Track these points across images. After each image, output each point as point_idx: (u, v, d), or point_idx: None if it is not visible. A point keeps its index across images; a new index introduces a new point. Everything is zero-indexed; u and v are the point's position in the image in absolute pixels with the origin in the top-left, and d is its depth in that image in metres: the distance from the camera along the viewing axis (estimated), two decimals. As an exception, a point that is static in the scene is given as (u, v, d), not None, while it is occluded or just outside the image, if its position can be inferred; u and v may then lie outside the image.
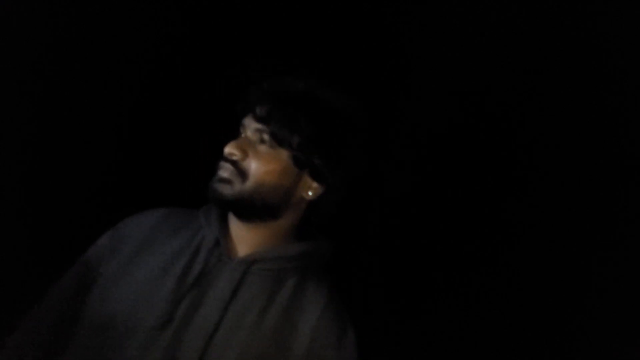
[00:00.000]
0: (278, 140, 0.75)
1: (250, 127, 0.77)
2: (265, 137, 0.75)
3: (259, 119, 0.75)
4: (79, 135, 1.07)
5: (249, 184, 0.75)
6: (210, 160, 0.77)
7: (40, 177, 1.03)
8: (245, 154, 0.75)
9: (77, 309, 0.75)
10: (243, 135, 0.78)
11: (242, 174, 0.75)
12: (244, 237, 0.78)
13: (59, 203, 1.02)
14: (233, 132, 0.78)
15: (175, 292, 0.73)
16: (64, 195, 1.04)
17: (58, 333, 0.75)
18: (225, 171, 0.76)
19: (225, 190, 0.75)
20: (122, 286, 0.75)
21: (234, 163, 0.75)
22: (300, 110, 0.75)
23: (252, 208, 0.76)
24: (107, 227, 0.80)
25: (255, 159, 0.75)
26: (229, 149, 0.75)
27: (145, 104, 1.10)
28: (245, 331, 0.73)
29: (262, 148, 0.76)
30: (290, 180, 0.77)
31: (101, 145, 1.08)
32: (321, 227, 0.84)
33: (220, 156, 0.76)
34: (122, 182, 1.03)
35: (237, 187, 0.75)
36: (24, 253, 0.93)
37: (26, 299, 0.77)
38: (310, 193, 0.78)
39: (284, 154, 0.76)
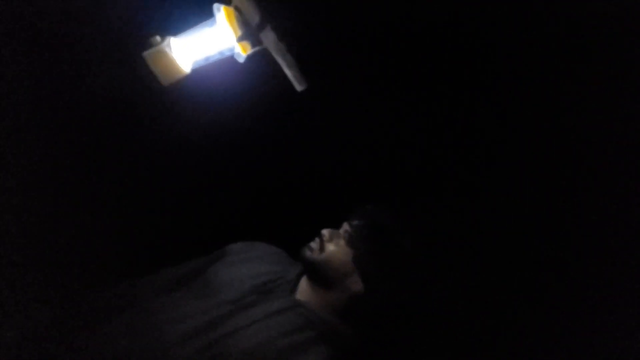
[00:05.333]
0: (351, 243, 1.09)
1: (344, 226, 1.12)
2: (347, 237, 1.10)
3: (350, 225, 1.11)
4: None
5: (322, 257, 1.08)
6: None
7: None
8: (330, 239, 1.10)
9: (206, 268, 1.13)
10: (340, 229, 1.13)
11: (322, 249, 1.09)
12: (305, 288, 1.10)
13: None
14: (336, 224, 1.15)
15: (251, 289, 1.07)
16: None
17: (197, 271, 1.13)
18: (314, 243, 1.10)
19: (307, 254, 1.09)
20: (227, 270, 1.11)
21: (322, 240, 1.10)
22: (372, 234, 1.09)
23: (316, 273, 1.09)
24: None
25: (334, 245, 1.10)
26: (324, 231, 1.11)
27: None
28: (258, 338, 1.00)
29: (342, 242, 1.10)
30: (346, 269, 1.08)
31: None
32: (358, 322, 1.09)
33: (317, 233, 1.11)
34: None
35: (315, 256, 1.09)
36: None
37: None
38: (353, 287, 1.07)
39: (350, 252, 1.09)
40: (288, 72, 1.03)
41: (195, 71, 1.00)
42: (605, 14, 1.25)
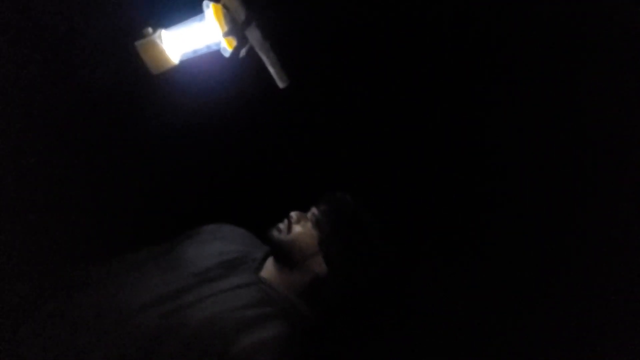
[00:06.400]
0: (317, 226, 1.14)
1: (312, 210, 1.18)
2: (314, 219, 1.15)
3: (318, 209, 1.17)
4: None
5: (288, 237, 1.13)
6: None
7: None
8: (298, 221, 1.15)
9: (176, 246, 1.19)
10: (308, 213, 1.18)
11: (289, 230, 1.14)
12: (269, 267, 1.15)
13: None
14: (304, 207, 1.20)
15: (216, 265, 1.11)
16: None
17: (168, 249, 1.18)
18: (282, 224, 1.15)
19: (275, 234, 1.14)
20: (195, 247, 1.17)
21: (289, 222, 1.15)
22: (336, 218, 1.15)
23: (282, 253, 1.13)
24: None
25: (300, 227, 1.14)
26: (292, 213, 1.16)
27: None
28: (218, 308, 1.03)
29: (309, 224, 1.15)
30: (311, 251, 1.13)
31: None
32: (318, 303, 1.13)
33: (286, 215, 1.16)
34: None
35: (282, 236, 1.13)
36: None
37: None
38: (316, 268, 1.13)
39: (316, 235, 1.14)
40: (271, 69, 1.09)
41: (184, 62, 1.07)
42: (606, 14, 1.31)
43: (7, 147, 1.31)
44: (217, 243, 1.18)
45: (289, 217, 1.16)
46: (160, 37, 1.03)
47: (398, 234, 1.22)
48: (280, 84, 1.11)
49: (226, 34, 1.02)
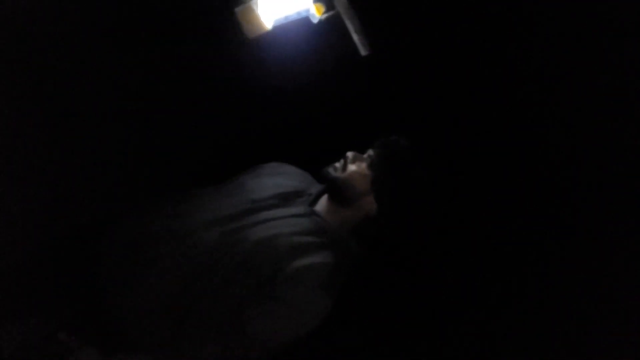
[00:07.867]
0: (372, 167, 1.20)
1: (369, 152, 1.23)
2: (369, 160, 1.21)
3: (374, 150, 1.22)
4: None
5: (344, 175, 1.19)
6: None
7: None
8: (353, 161, 1.21)
9: (241, 175, 1.29)
10: (364, 154, 1.23)
11: (344, 169, 1.20)
12: (323, 203, 1.22)
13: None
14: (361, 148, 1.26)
15: (274, 195, 1.20)
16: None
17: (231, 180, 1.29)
18: (339, 163, 1.21)
19: (331, 171, 1.20)
20: (256, 180, 1.26)
21: (345, 161, 1.20)
22: (393, 161, 1.20)
23: (336, 190, 1.20)
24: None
25: (356, 166, 1.20)
26: (349, 153, 1.22)
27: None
28: (273, 231, 1.13)
29: (364, 165, 1.20)
30: (363, 189, 1.18)
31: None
32: (365, 240, 1.20)
33: (343, 155, 1.22)
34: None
35: (337, 174, 1.19)
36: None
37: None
38: (367, 207, 1.19)
39: (370, 175, 1.19)
40: (355, 36, 1.17)
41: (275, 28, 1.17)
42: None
43: (109, 99, 1.47)
44: (277, 177, 1.27)
45: (345, 157, 1.21)
46: (256, 3, 1.13)
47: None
48: (363, 52, 1.18)
49: (316, 0, 1.11)
